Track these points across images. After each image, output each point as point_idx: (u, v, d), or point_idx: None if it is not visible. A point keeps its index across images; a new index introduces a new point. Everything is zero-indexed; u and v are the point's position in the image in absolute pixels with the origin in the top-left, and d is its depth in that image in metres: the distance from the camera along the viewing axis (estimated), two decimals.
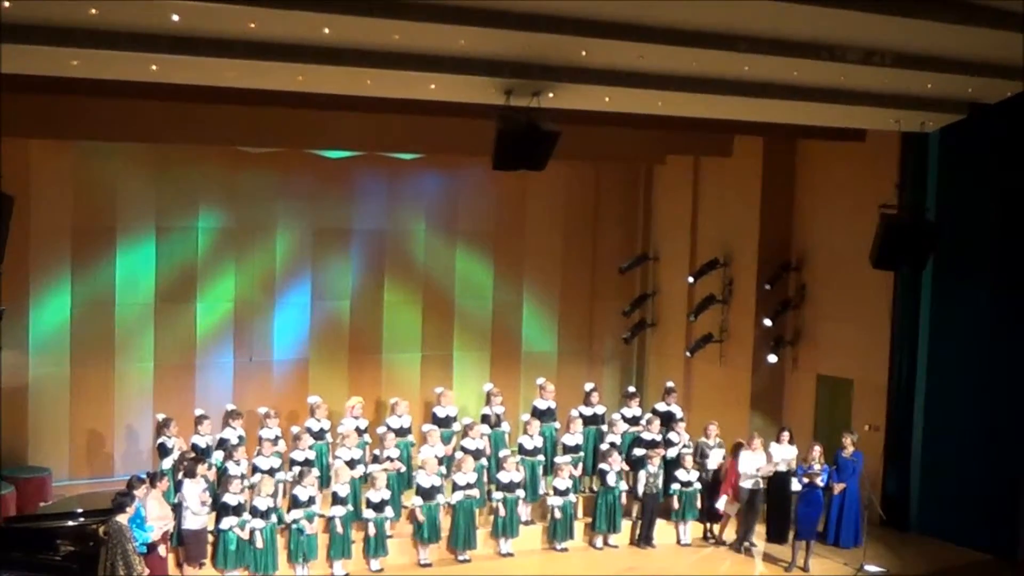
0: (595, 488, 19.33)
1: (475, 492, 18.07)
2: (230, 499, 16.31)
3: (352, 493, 17.45)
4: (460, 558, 18.05)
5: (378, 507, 17.29)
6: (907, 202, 19.06)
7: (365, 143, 19.59)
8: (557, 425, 19.93)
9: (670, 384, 21.14)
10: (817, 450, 18.56)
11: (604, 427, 20.02)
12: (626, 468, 19.33)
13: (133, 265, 20.21)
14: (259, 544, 16.38)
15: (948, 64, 15.97)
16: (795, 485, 18.51)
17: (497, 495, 18.33)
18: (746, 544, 19.15)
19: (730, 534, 19.56)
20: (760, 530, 19.28)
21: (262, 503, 16.49)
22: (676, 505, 19.25)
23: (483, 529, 18.43)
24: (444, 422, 19.52)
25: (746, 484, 18.99)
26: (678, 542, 19.42)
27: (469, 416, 19.89)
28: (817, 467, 18.34)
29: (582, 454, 19.56)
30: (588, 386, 20.64)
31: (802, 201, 22.12)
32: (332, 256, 21.80)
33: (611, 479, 18.79)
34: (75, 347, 19.82)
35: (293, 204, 21.34)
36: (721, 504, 19.33)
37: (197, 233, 20.70)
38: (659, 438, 19.69)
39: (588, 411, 20.11)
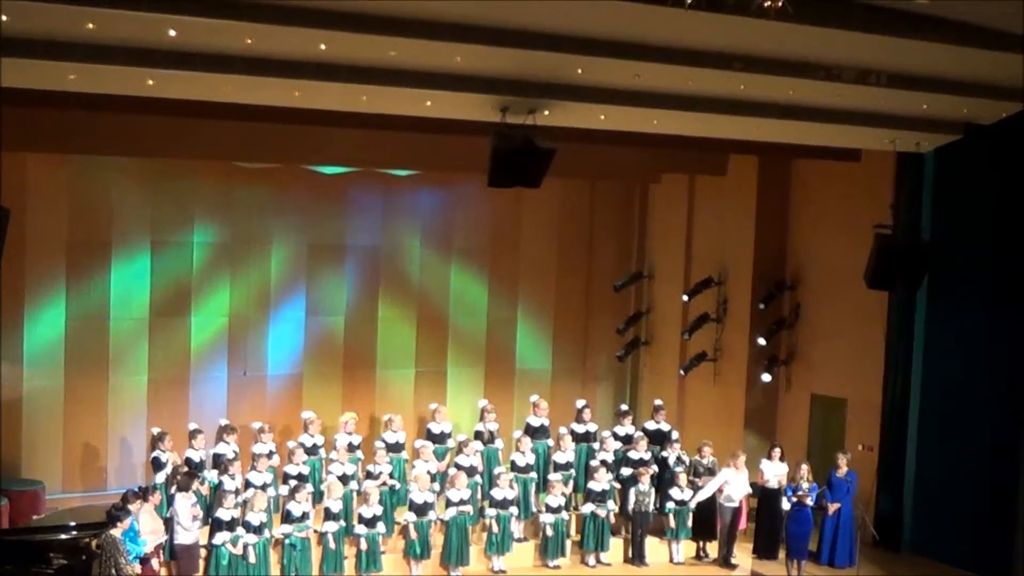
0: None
1: (468, 508, 18.05)
2: (223, 514, 16.29)
3: (345, 508, 17.45)
4: (453, 574, 18.03)
5: (370, 523, 17.29)
6: (902, 222, 19.14)
7: (360, 159, 19.60)
8: (551, 442, 19.91)
9: (658, 402, 21.12)
10: (804, 468, 18.61)
11: (595, 445, 20.02)
12: (617, 486, 19.32)
13: (128, 279, 20.21)
14: (252, 559, 16.36)
15: (944, 84, 16.01)
16: (785, 503, 18.55)
17: (490, 512, 18.31)
18: (731, 561, 19.22)
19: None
20: (748, 546, 19.34)
21: (255, 518, 16.47)
22: (672, 523, 19.23)
23: (476, 546, 18.41)
24: (439, 438, 19.51)
25: (727, 503, 19.03)
26: (671, 560, 19.39)
27: (463, 433, 19.87)
28: (805, 485, 18.37)
29: (573, 472, 19.55)
30: (580, 403, 20.63)
31: (797, 220, 22.15)
32: (326, 271, 21.80)
33: (592, 506, 18.80)
34: (69, 360, 19.80)
35: (288, 219, 21.34)
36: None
37: (192, 247, 20.70)
38: (647, 456, 19.69)
39: (580, 428, 20.11)
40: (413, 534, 17.60)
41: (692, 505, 19.18)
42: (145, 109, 15.37)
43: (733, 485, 19.03)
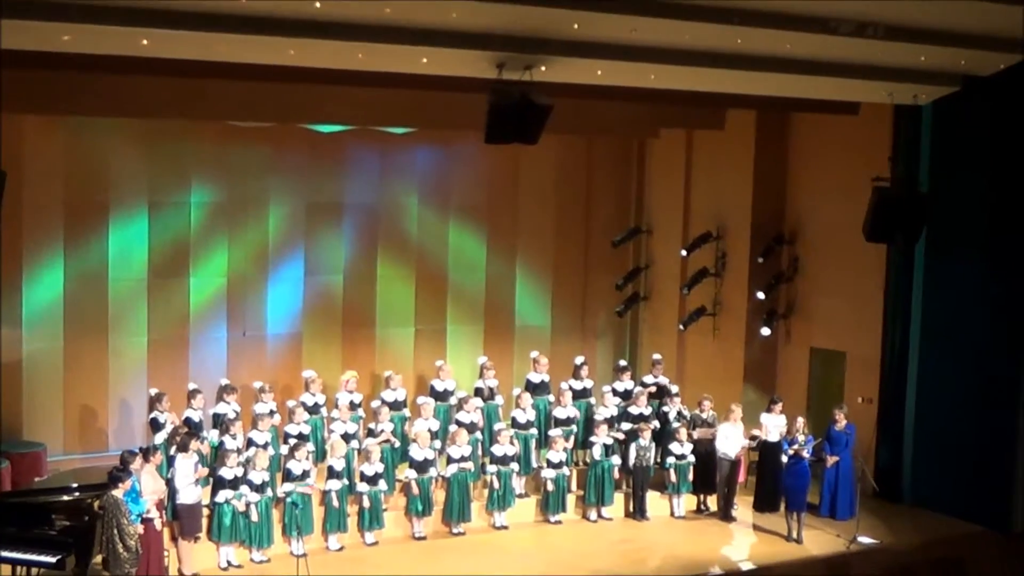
0: (587, 461, 19.36)
1: (469, 465, 18.11)
2: (226, 473, 16.33)
3: (347, 467, 17.49)
4: (455, 531, 18.12)
5: (372, 480, 17.34)
6: (900, 175, 19.13)
7: (357, 117, 19.56)
8: (551, 398, 19.96)
9: (657, 356, 21.23)
10: (800, 421, 18.66)
11: (592, 400, 20.08)
12: (620, 437, 19.37)
13: (126, 240, 20.18)
14: (254, 517, 16.41)
15: (941, 36, 15.98)
16: (784, 456, 18.63)
17: (491, 468, 18.38)
18: (731, 514, 19.34)
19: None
20: (749, 499, 19.47)
21: (257, 477, 16.51)
22: (673, 478, 19.30)
23: (477, 502, 18.48)
24: (443, 396, 19.55)
25: (724, 458, 19.10)
26: (672, 514, 19.48)
27: (463, 390, 19.90)
28: (801, 438, 18.43)
29: (574, 427, 19.61)
30: (578, 360, 20.66)
31: (795, 174, 22.14)
32: (325, 230, 21.77)
33: (597, 452, 18.85)
34: (68, 322, 19.79)
35: (285, 179, 21.29)
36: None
37: (190, 208, 20.66)
38: (647, 411, 19.75)
39: (578, 385, 20.14)
40: (415, 490, 17.66)
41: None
42: (140, 70, 15.30)
43: (729, 439, 19.11)
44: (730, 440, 19.11)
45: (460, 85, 16.15)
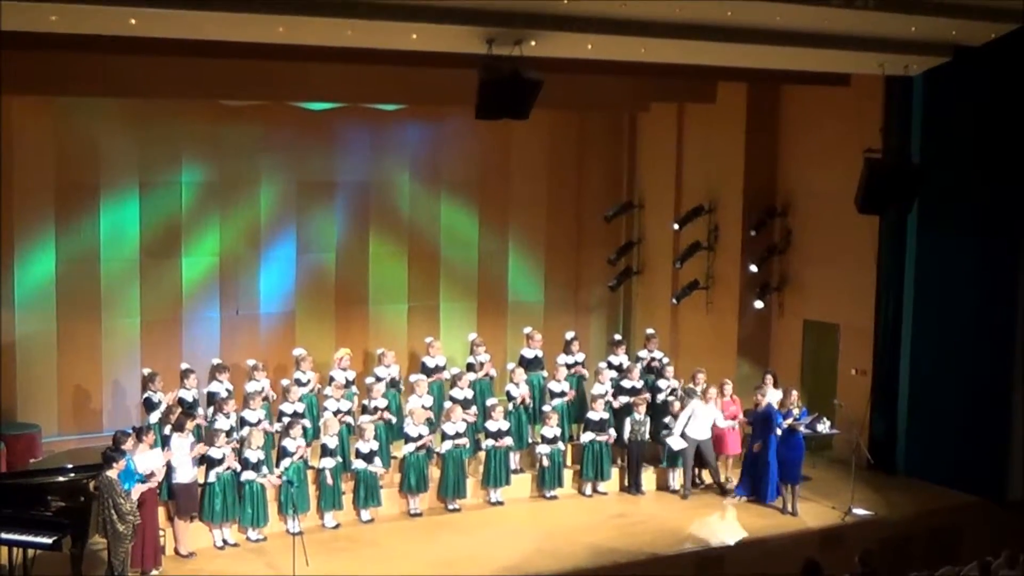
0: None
1: (464, 441, 18.10)
2: (216, 452, 16.29)
3: (341, 445, 17.49)
4: (450, 507, 18.13)
5: (367, 458, 17.34)
6: (892, 146, 19.09)
7: (347, 94, 19.51)
8: (545, 374, 19.95)
9: (650, 331, 21.24)
10: (794, 394, 18.66)
11: (584, 372, 20.10)
12: (616, 406, 19.41)
13: (117, 221, 20.15)
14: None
15: (932, 6, 15.95)
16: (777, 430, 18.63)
17: (487, 443, 18.38)
18: (725, 487, 19.41)
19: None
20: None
21: (253, 455, 16.50)
22: (667, 452, 19.31)
23: (473, 478, 18.49)
24: (433, 372, 19.54)
25: (697, 436, 19.07)
26: (667, 488, 19.50)
27: (457, 366, 19.90)
28: (796, 411, 18.44)
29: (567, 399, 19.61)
30: (569, 334, 20.64)
31: (787, 146, 22.12)
32: (316, 208, 21.76)
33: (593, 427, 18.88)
34: (61, 303, 19.77)
35: (276, 157, 21.27)
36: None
37: (181, 188, 20.63)
38: (640, 385, 19.76)
39: (570, 360, 20.12)
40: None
41: (673, 443, 19.16)
42: (129, 49, 15.28)
43: (700, 419, 19.06)
44: (700, 420, 19.04)
45: (450, 61, 16.14)
